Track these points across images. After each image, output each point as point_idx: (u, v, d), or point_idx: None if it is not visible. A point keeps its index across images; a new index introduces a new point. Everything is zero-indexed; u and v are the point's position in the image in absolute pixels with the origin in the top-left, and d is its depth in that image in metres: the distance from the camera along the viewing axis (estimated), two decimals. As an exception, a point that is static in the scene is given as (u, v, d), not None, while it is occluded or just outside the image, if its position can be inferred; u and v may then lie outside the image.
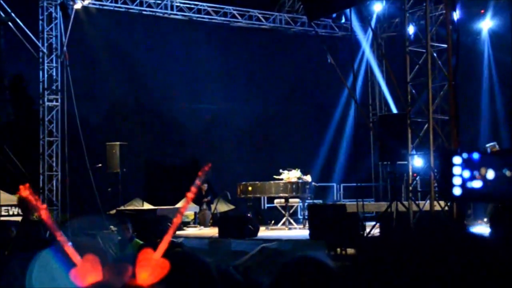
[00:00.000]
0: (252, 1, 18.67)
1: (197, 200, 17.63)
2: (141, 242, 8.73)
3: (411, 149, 12.64)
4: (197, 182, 1.43)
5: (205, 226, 17.31)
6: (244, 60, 21.15)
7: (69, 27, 15.74)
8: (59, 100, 16.18)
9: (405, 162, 12.84)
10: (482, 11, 18.46)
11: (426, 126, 12.47)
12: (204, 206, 17.81)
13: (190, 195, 1.44)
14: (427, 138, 12.35)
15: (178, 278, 1.49)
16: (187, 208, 1.58)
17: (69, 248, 1.32)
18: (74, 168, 16.31)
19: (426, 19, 12.65)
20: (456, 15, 11.68)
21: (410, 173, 12.77)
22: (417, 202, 12.64)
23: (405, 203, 12.65)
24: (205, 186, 17.70)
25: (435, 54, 12.61)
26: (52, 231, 1.34)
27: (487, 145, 15.00)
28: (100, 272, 1.25)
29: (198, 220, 17.87)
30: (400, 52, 13.82)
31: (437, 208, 12.11)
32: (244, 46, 20.63)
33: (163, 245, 1.29)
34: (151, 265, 1.25)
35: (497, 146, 14.69)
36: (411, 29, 13.76)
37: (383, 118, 15.54)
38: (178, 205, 17.65)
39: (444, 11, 12.50)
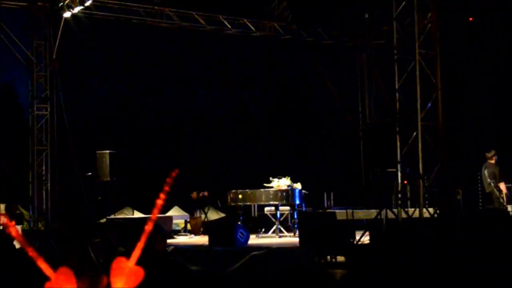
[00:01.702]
0: (242, 10, 18.68)
1: (189, 208, 17.60)
2: (123, 250, 8.69)
3: (400, 156, 12.65)
4: (166, 188, 1.44)
5: (197, 234, 17.27)
6: (235, 67, 21.18)
7: (59, 35, 15.70)
8: (49, 109, 16.12)
9: (395, 170, 12.86)
10: (471, 18, 18.56)
11: (415, 133, 12.50)
12: (198, 214, 17.78)
13: (159, 201, 1.45)
14: (416, 145, 12.38)
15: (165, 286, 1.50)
16: (157, 214, 1.59)
17: (41, 262, 1.31)
18: (64, 177, 16.25)
19: (414, 27, 12.70)
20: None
21: (399, 181, 12.77)
22: (406, 209, 12.66)
23: (395, 210, 12.65)
24: (194, 194, 17.68)
25: (423, 62, 12.65)
26: (23, 247, 1.33)
27: (487, 153, 15.04)
28: (75, 284, 1.25)
29: (189, 228, 17.84)
30: (389, 59, 13.85)
31: (426, 215, 12.14)
32: (235, 53, 20.64)
33: (136, 253, 1.29)
34: (125, 273, 1.24)
35: (495, 155, 14.74)
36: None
37: (372, 125, 15.57)
38: (169, 213, 17.63)
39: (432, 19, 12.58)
